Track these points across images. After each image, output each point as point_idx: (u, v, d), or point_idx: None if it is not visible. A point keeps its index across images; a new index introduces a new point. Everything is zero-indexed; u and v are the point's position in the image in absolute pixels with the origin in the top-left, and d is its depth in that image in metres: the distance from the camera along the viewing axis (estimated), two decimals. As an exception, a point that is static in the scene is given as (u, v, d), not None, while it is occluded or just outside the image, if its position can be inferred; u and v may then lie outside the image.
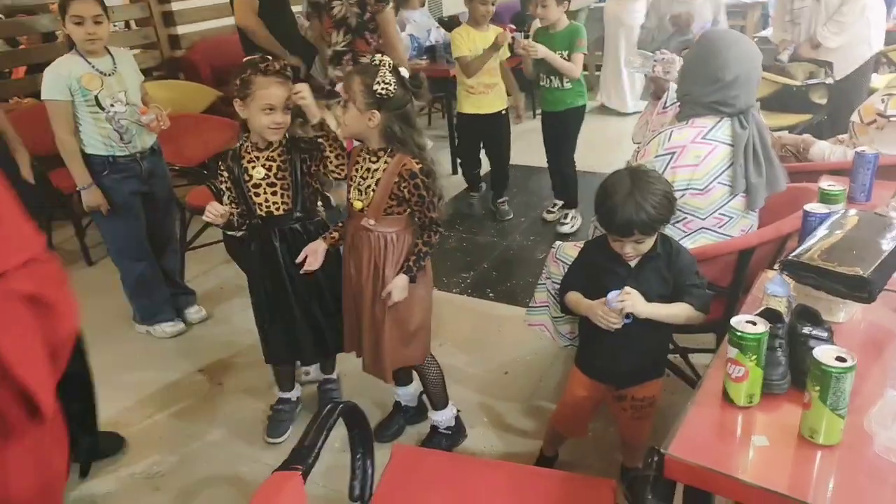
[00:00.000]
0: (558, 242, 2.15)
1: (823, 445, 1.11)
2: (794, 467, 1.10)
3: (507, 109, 3.70)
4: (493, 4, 3.43)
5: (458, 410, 2.15)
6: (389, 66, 1.71)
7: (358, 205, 1.82)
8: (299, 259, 1.91)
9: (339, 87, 2.58)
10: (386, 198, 1.77)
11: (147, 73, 3.83)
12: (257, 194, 1.92)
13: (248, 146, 1.93)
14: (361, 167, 1.82)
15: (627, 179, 1.54)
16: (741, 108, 1.81)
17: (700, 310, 1.60)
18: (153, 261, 2.76)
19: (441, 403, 2.09)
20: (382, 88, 1.69)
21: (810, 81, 3.53)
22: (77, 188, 2.50)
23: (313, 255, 1.91)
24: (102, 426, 2.25)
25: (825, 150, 2.46)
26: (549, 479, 1.55)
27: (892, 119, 2.25)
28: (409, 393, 2.21)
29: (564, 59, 3.27)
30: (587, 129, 3.65)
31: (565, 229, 3.61)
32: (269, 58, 1.87)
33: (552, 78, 3.38)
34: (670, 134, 1.86)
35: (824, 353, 1.08)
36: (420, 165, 1.76)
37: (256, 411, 2.35)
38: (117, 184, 2.54)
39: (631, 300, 1.53)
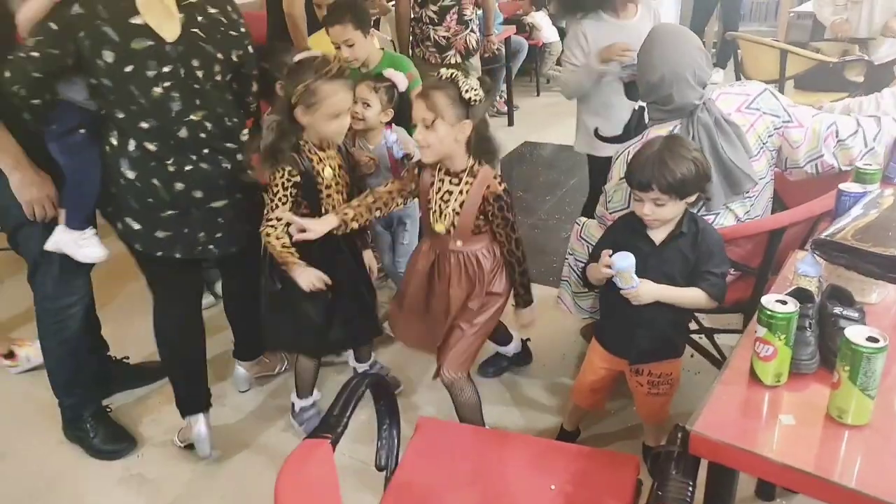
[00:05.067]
0: (583, 219, 2.15)
1: (851, 426, 1.10)
2: (821, 446, 1.10)
3: None
4: None
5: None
6: (461, 74, 1.68)
7: (440, 228, 1.78)
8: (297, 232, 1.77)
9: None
10: (474, 220, 1.75)
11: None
12: (329, 195, 1.85)
13: (309, 146, 1.82)
14: (441, 189, 1.78)
15: (662, 141, 1.57)
16: (680, 107, 1.78)
17: (714, 298, 1.59)
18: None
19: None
20: (474, 94, 1.65)
21: (847, 58, 3.44)
22: None
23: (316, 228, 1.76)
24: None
25: None
26: (573, 453, 1.56)
27: None
28: (509, 350, 2.35)
29: None
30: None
31: None
32: (321, 57, 1.78)
33: None
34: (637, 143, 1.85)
35: (856, 333, 1.07)
36: (503, 186, 1.74)
37: (286, 380, 2.39)
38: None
39: (636, 294, 1.56)
